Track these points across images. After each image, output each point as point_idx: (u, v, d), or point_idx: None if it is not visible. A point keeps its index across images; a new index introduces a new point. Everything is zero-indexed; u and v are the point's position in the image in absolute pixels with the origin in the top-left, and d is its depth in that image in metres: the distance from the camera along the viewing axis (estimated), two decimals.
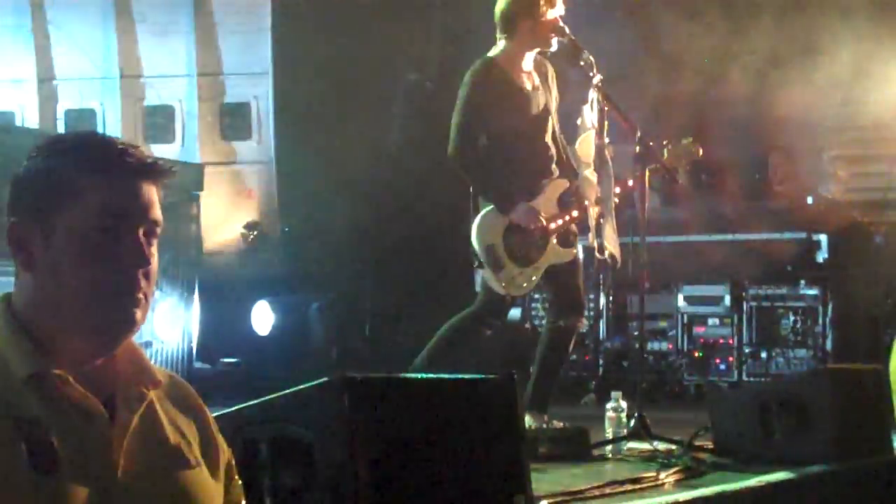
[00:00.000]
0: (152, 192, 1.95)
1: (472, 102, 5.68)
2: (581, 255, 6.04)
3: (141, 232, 1.93)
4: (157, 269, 1.97)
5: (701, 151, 6.07)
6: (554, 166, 5.83)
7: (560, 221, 5.76)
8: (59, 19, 9.48)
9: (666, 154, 5.93)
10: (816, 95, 9.80)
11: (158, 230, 1.97)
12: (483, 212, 5.69)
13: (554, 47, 5.75)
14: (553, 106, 5.87)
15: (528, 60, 5.78)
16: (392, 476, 2.98)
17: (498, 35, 5.78)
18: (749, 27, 9.43)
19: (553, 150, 5.83)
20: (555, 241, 5.75)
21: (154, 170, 1.96)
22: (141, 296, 1.92)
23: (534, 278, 5.74)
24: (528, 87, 5.77)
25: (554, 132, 5.85)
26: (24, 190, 1.94)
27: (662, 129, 6.46)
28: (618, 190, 5.81)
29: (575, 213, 5.79)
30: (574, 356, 8.94)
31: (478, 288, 5.89)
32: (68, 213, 1.90)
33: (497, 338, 6.42)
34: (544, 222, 5.70)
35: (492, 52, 5.77)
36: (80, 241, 1.89)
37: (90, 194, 1.90)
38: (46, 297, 1.91)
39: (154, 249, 1.96)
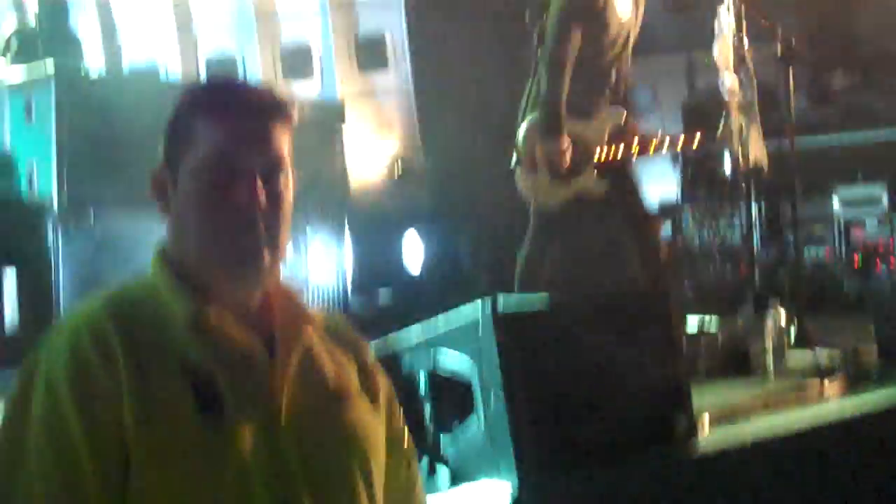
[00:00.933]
0: (271, 131, 1.96)
1: (569, 14, 5.57)
2: (728, 165, 5.91)
3: (258, 171, 1.93)
4: (288, 206, 1.97)
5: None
6: (615, 94, 5.72)
7: (605, 152, 5.64)
8: None
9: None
10: None
11: (281, 167, 1.96)
12: (536, 114, 5.63)
13: None
14: (633, 33, 5.73)
15: None
16: (549, 401, 2.98)
17: None
18: None
19: (616, 78, 5.71)
20: (593, 169, 5.65)
21: (269, 108, 1.97)
22: (260, 233, 1.92)
23: (561, 193, 5.65)
24: (616, 12, 5.63)
25: (627, 61, 5.73)
26: (160, 139, 2.00)
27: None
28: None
29: (623, 147, 5.64)
30: (730, 266, 8.82)
31: None
32: (189, 158, 1.94)
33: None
34: (583, 137, 5.60)
35: None
36: (198, 184, 1.92)
37: (205, 137, 1.93)
38: (184, 242, 1.96)
39: (281, 187, 1.96)
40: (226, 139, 1.92)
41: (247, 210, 1.91)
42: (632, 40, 5.75)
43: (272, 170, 1.95)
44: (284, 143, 1.97)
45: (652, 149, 5.65)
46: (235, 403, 1.84)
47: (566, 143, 5.55)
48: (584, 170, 5.65)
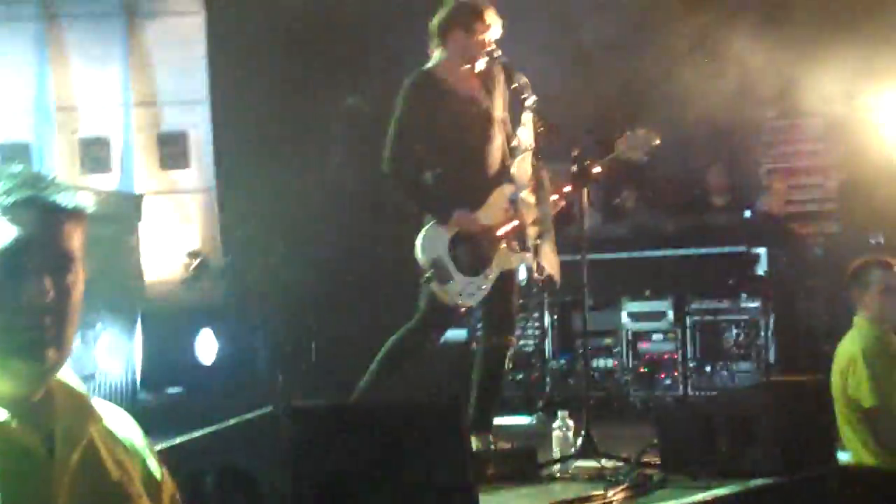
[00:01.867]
0: (60, 227, 1.92)
1: (407, 114, 5.68)
2: (522, 273, 6.03)
3: (48, 269, 1.90)
4: (77, 301, 1.94)
5: (658, 140, 6.02)
6: (498, 173, 5.83)
7: (508, 227, 5.75)
8: None
9: (620, 147, 5.91)
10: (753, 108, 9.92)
11: (71, 264, 1.93)
12: (426, 226, 5.67)
13: (482, 65, 5.76)
14: (498, 113, 5.85)
15: (466, 71, 5.79)
16: (339, 503, 2.97)
17: (432, 46, 5.80)
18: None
19: (497, 157, 5.82)
20: (504, 246, 5.75)
21: (54, 205, 1.93)
22: (45, 331, 1.89)
23: (483, 287, 5.71)
24: (468, 94, 5.78)
25: (499, 139, 5.84)
26: None
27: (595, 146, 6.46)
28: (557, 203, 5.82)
29: (520, 220, 5.76)
30: (521, 375, 8.98)
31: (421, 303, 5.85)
32: None
33: (443, 359, 6.41)
34: (483, 226, 5.70)
35: (427, 65, 5.79)
36: None
37: None
38: None
39: (70, 282, 1.92)
40: (13, 237, 1.88)
41: (32, 308, 1.87)
42: (499, 116, 5.83)
43: (62, 267, 1.92)
44: (76, 238, 1.94)
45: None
46: (9, 501, 1.79)
47: (462, 211, 5.62)
48: (496, 252, 5.71)
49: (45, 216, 1.91)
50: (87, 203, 1.97)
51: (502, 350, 5.82)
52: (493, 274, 5.69)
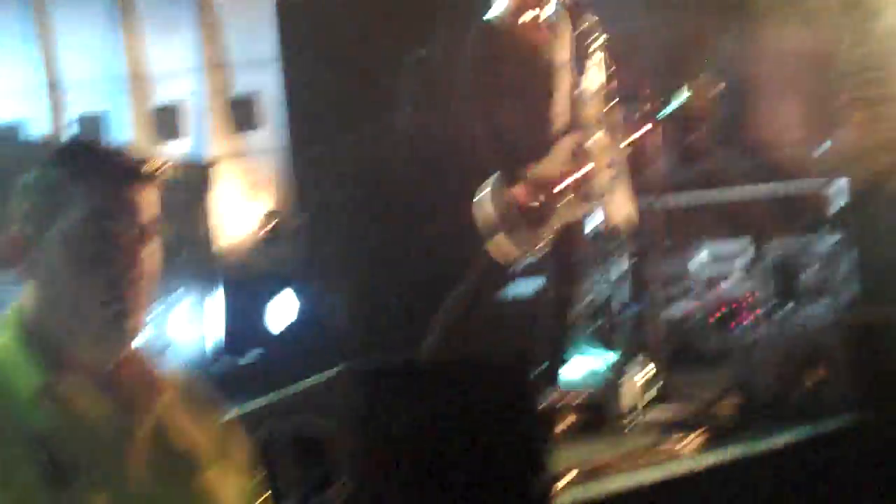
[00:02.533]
0: (142, 194, 1.97)
1: (477, 70, 5.65)
2: (597, 219, 6.01)
3: (130, 236, 1.94)
4: (155, 270, 1.98)
5: (723, 85, 5.95)
6: (565, 121, 5.78)
7: (571, 179, 5.71)
8: (65, 22, 9.46)
9: (687, 93, 5.84)
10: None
11: (152, 231, 1.98)
12: (493, 177, 5.65)
13: (552, 7, 5.70)
14: (563, 60, 5.79)
15: (531, 16, 5.72)
16: (410, 463, 3.00)
17: None
18: None
19: (562, 106, 5.77)
20: (569, 197, 5.71)
21: (139, 171, 1.97)
22: (129, 303, 1.94)
23: (546, 239, 5.69)
24: (535, 42, 5.72)
25: (565, 86, 5.79)
26: (23, 200, 1.98)
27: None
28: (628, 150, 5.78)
29: (587, 169, 5.72)
30: (597, 322, 8.95)
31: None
32: (59, 221, 1.93)
33: (515, 313, 6.41)
34: (546, 178, 5.65)
35: (489, 14, 5.74)
36: (69, 249, 1.92)
37: (76, 201, 1.93)
38: (47, 306, 1.94)
39: (150, 251, 1.97)
40: (100, 204, 1.92)
41: (122, 276, 1.92)
42: (564, 62, 5.79)
43: (144, 234, 1.96)
44: (155, 206, 1.98)
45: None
46: (86, 471, 1.84)
47: (529, 189, 5.57)
48: (557, 206, 5.69)
49: (122, 184, 1.95)
50: (162, 170, 2.01)
51: (570, 301, 5.81)
52: (556, 226, 5.66)
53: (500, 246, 5.59)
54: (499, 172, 5.59)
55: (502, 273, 5.78)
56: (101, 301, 1.91)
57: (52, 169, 1.96)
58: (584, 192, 5.72)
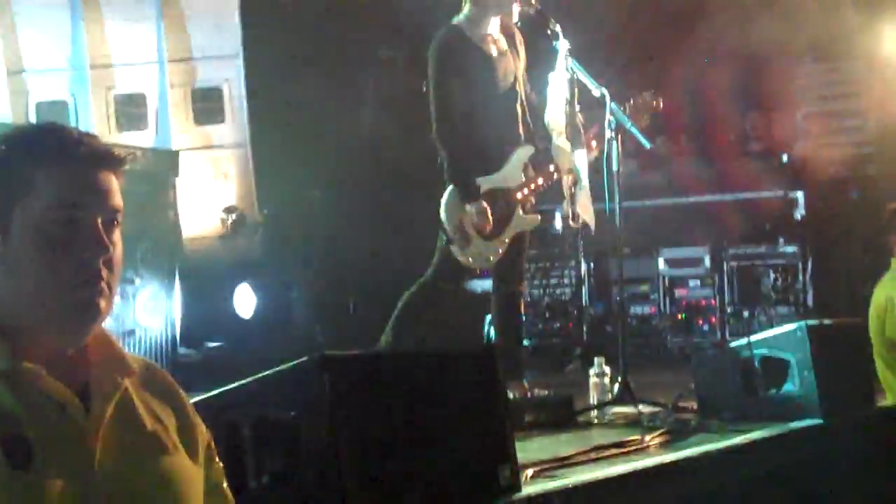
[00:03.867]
0: (110, 181, 1.96)
1: (444, 76, 5.66)
2: (559, 224, 6.04)
3: (99, 221, 1.93)
4: (121, 256, 1.97)
5: (661, 104, 6.02)
6: (521, 133, 5.81)
7: (526, 190, 5.76)
8: (26, 10, 9.39)
9: (627, 110, 5.89)
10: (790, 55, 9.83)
11: (119, 217, 1.96)
12: (449, 189, 5.68)
13: (515, 14, 5.72)
14: (520, 72, 5.84)
15: (494, 25, 5.76)
16: (375, 453, 2.99)
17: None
18: None
19: (519, 115, 5.81)
20: (520, 210, 5.76)
21: (108, 158, 1.96)
22: (103, 285, 1.92)
23: (500, 250, 5.75)
24: (494, 52, 5.76)
25: (521, 98, 5.83)
26: None
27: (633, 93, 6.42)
28: (592, 157, 5.81)
29: (540, 181, 5.78)
30: (558, 323, 9.00)
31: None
32: (24, 206, 1.90)
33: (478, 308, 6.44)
34: (501, 190, 5.69)
35: (455, 19, 5.76)
36: (36, 234, 1.90)
37: (44, 186, 1.90)
38: (10, 291, 1.91)
39: (116, 237, 1.96)
40: (69, 188, 1.90)
41: (90, 260, 1.90)
42: (522, 71, 5.83)
43: (112, 220, 1.95)
44: (119, 193, 1.97)
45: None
46: (46, 454, 1.82)
47: (484, 203, 5.62)
48: (513, 216, 5.72)
49: (96, 169, 1.94)
50: (128, 158, 1.99)
51: (515, 297, 5.86)
52: (509, 236, 5.71)
53: (456, 255, 5.64)
54: (452, 187, 5.61)
55: (457, 272, 5.80)
56: (71, 285, 1.89)
57: (12, 153, 1.93)
58: (535, 204, 5.80)
